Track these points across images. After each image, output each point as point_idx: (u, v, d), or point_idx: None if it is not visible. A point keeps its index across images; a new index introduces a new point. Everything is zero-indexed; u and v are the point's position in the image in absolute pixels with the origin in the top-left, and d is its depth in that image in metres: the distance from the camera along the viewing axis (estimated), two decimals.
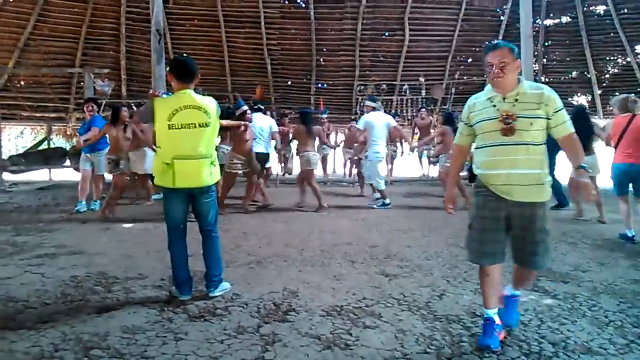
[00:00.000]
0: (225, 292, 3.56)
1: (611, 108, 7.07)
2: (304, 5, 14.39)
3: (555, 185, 8.50)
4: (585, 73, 14.17)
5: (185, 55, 3.72)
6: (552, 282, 3.87)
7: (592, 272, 4.18)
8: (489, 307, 2.76)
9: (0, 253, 4.73)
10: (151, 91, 4.79)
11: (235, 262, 4.44)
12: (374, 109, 8.05)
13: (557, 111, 2.59)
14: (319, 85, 15.42)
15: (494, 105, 2.66)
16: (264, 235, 5.66)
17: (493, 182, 2.67)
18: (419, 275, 4.05)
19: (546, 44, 14.78)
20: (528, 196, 2.60)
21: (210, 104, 3.46)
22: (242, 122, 6.60)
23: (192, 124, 3.33)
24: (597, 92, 13.74)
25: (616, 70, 14.16)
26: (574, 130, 2.65)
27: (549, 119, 2.60)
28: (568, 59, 14.65)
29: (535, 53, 13.59)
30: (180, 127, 3.31)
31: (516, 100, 2.61)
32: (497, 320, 2.75)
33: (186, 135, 3.34)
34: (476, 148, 2.83)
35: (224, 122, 5.55)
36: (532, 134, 2.58)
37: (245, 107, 7.06)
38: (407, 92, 15.01)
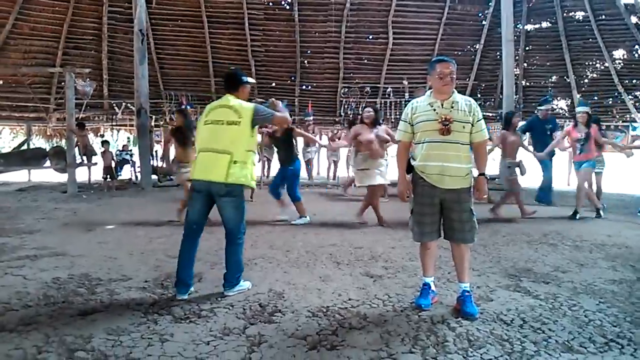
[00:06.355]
0: (241, 292, 3.62)
1: None
2: (288, 7, 14.42)
3: (546, 187, 8.71)
4: (565, 77, 14.44)
5: (232, 68, 3.97)
6: (534, 282, 3.94)
7: (572, 272, 4.26)
8: (428, 275, 3.40)
9: None
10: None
11: (220, 263, 4.41)
12: None
13: (479, 120, 3.21)
14: (303, 87, 15.45)
15: (434, 110, 3.18)
16: (248, 237, 5.62)
17: (428, 172, 3.20)
18: (404, 276, 4.09)
19: (527, 48, 15.03)
20: (455, 184, 3.16)
21: (245, 106, 3.58)
22: None
23: (220, 120, 3.51)
24: (576, 96, 14.00)
25: (594, 75, 14.44)
26: (488, 137, 3.28)
27: (472, 125, 3.18)
28: (548, 63, 14.91)
29: (516, 57, 13.81)
30: (210, 122, 3.55)
31: (452, 107, 3.16)
32: (433, 287, 3.40)
33: (213, 130, 3.53)
34: (416, 143, 3.32)
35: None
36: (463, 136, 3.16)
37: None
38: (391, 94, 15.13)
